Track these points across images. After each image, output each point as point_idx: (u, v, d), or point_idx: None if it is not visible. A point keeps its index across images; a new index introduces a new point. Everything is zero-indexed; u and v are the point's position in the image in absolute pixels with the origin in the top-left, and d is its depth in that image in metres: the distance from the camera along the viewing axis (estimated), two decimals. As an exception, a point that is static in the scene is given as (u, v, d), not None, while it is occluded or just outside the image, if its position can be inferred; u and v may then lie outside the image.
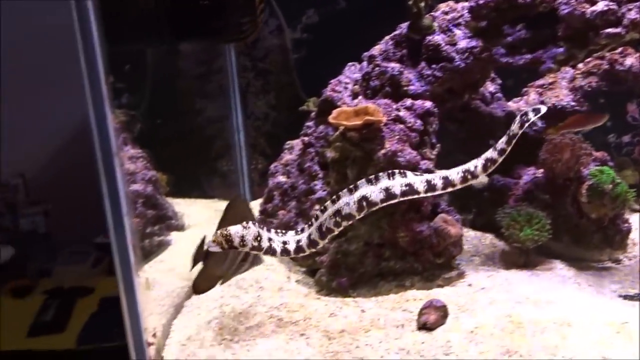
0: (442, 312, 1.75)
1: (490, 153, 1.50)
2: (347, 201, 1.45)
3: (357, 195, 1.45)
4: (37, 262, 2.57)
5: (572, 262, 2.19)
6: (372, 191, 1.44)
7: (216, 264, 1.85)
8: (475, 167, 1.49)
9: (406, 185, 1.45)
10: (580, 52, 2.05)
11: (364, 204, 1.44)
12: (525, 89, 2.57)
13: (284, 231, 1.47)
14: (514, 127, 1.44)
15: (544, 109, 1.43)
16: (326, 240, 1.48)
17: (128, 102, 2.92)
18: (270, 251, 1.44)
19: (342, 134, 2.01)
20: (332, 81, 2.31)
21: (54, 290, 2.42)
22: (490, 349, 1.60)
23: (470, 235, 2.39)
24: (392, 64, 2.16)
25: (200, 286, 1.90)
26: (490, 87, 2.50)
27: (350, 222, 1.48)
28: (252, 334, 1.79)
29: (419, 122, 2.04)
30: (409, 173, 1.46)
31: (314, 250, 1.49)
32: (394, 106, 2.06)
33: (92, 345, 2.05)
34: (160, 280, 2.15)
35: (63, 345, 2.07)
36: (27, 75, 2.95)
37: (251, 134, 3.16)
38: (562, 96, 2.41)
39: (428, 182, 1.46)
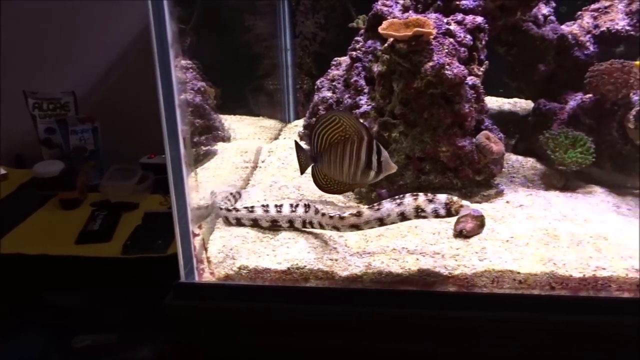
0: (479, 222, 1.78)
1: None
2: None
3: None
4: (84, 177, 2.67)
5: (612, 188, 2.18)
6: None
7: (329, 169, 1.97)
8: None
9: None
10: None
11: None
12: (579, 13, 2.51)
13: None
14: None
15: None
16: None
17: (179, 16, 2.93)
18: None
19: (391, 45, 2.01)
20: (383, -5, 2.30)
21: (100, 203, 2.54)
22: (524, 257, 1.63)
23: (512, 159, 2.40)
24: (445, -22, 2.14)
25: (322, 186, 2.06)
26: (543, 9, 2.44)
27: None
28: (292, 234, 1.85)
29: (469, 37, 2.03)
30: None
31: None
32: (445, 20, 2.05)
33: (136, 255, 2.16)
34: (204, 185, 2.22)
35: (109, 253, 2.19)
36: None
37: (298, 53, 3.17)
38: (617, 20, 2.35)
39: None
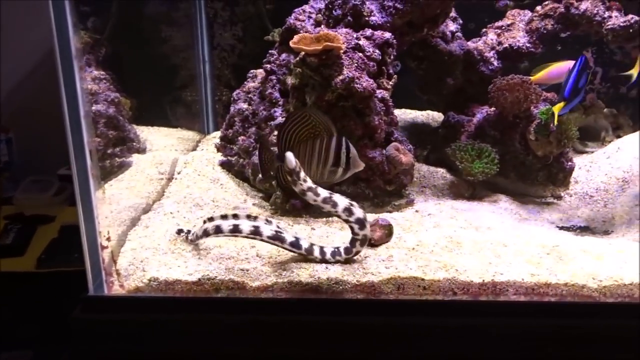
0: (387, 230, 1.83)
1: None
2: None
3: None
4: (-2, 188, 2.60)
5: (516, 196, 2.30)
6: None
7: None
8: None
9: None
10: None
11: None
12: (484, 30, 2.63)
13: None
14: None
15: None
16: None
17: (94, 26, 2.90)
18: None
19: (302, 59, 2.05)
20: (296, 10, 2.34)
21: (15, 216, 2.47)
22: (428, 264, 1.69)
23: (424, 170, 2.48)
24: (355, -6, 2.20)
25: (285, 187, 1.96)
26: (451, 26, 2.55)
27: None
28: (204, 245, 1.85)
29: (377, 51, 2.09)
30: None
31: None
32: (354, 35, 2.11)
33: (51, 269, 2.11)
34: (118, 197, 2.20)
35: (23, 267, 2.13)
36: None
37: (216, 65, 3.18)
38: (519, 37, 2.48)
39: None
